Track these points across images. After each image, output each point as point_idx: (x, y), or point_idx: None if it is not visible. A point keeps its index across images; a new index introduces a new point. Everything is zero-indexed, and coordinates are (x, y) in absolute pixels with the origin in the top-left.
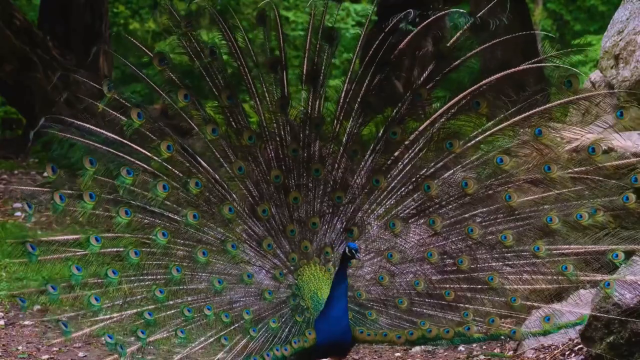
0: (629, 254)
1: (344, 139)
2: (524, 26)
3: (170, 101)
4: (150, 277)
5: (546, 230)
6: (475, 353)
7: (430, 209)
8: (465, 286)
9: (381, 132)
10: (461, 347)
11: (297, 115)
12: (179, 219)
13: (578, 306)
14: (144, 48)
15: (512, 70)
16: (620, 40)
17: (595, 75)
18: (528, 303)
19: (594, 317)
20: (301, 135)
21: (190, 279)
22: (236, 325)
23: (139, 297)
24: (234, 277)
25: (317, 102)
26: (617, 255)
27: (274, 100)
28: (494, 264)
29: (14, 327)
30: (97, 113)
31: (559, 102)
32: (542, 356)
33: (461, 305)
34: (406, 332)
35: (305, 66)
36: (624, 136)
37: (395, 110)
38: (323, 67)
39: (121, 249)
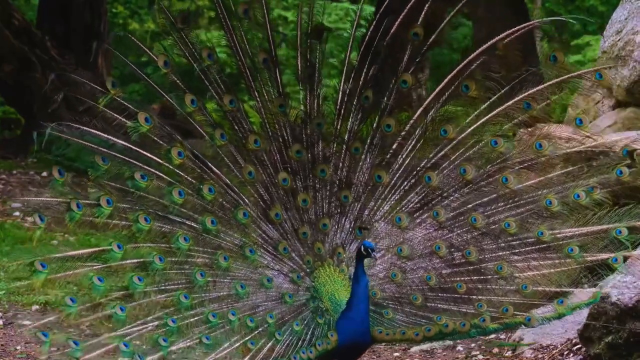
0: (631, 230)
1: (346, 137)
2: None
3: (177, 106)
4: (174, 284)
5: (547, 214)
6: (474, 353)
7: (433, 201)
8: (475, 277)
9: (374, 125)
10: (459, 347)
11: (297, 115)
12: (196, 226)
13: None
14: (148, 51)
15: (497, 38)
16: (618, 40)
17: None
18: (539, 289)
19: (593, 317)
20: (303, 136)
21: (214, 285)
22: (261, 329)
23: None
24: (254, 281)
25: (315, 101)
26: (620, 232)
27: (272, 100)
28: (501, 253)
29: (12, 327)
30: (101, 116)
31: (549, 83)
32: (540, 356)
33: (474, 297)
34: (423, 328)
35: (299, 64)
36: (622, 136)
37: (383, 102)
38: (317, 65)
39: (142, 259)
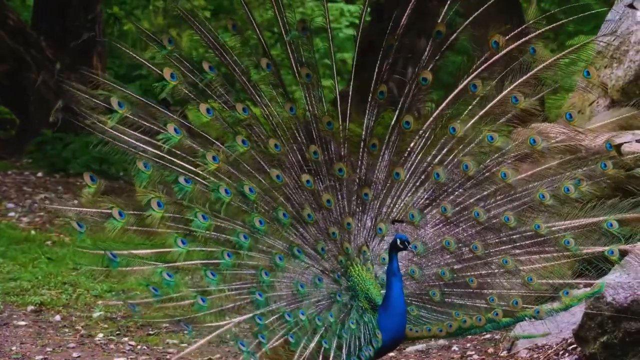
0: (621, 223)
1: (363, 134)
2: (518, 26)
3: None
4: (243, 283)
5: (542, 208)
6: (469, 353)
7: (441, 197)
8: (484, 272)
9: (392, 122)
10: (455, 347)
11: (305, 116)
12: (247, 225)
13: (592, 277)
14: (155, 70)
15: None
16: (613, 40)
17: None
18: (544, 281)
19: (588, 317)
20: (315, 136)
21: (279, 285)
22: (328, 328)
23: (239, 303)
24: (309, 281)
25: (317, 99)
26: (611, 225)
27: (281, 103)
28: (504, 247)
29: (7, 328)
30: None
31: (543, 65)
32: (535, 356)
33: (485, 291)
34: (445, 324)
35: (292, 62)
36: (617, 136)
37: (402, 98)
38: (313, 61)
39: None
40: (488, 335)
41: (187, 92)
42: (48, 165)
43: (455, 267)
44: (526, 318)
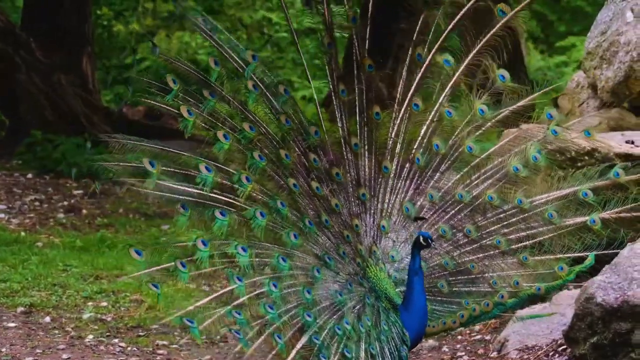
0: (595, 191)
1: (342, 135)
2: (508, 26)
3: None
4: (292, 305)
5: (518, 180)
6: (459, 354)
7: (424, 183)
8: (481, 255)
9: (358, 116)
10: (445, 348)
11: (292, 129)
12: (283, 248)
13: (584, 250)
14: (173, 110)
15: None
16: (603, 41)
17: (579, 75)
18: (537, 258)
19: (578, 318)
20: (303, 144)
21: (319, 299)
22: (368, 333)
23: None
24: (343, 288)
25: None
26: (586, 194)
27: (272, 120)
28: (493, 227)
29: None
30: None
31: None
32: (525, 357)
33: (487, 275)
34: (458, 315)
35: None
36: (607, 137)
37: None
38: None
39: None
40: (478, 336)
41: (203, 123)
42: (38, 166)
43: (454, 254)
44: (529, 296)
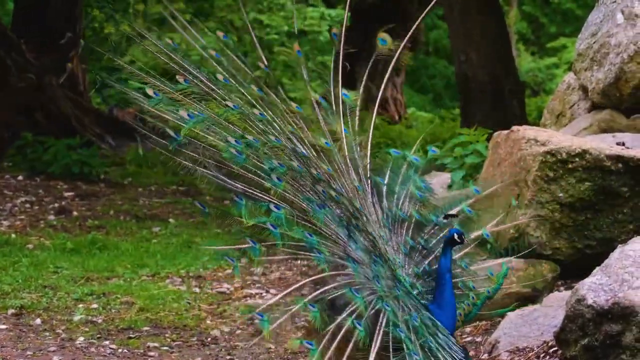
0: (472, 207)
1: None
2: (499, 28)
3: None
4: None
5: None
6: None
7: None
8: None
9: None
10: None
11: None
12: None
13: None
14: (174, 132)
15: None
16: (594, 42)
17: (570, 77)
18: (474, 267)
19: (569, 319)
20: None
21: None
22: (422, 334)
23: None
24: (395, 295)
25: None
26: (470, 211)
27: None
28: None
29: None
30: None
31: None
32: (516, 358)
33: (456, 279)
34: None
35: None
36: (598, 138)
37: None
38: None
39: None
40: (469, 338)
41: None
42: (28, 168)
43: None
44: (506, 275)
